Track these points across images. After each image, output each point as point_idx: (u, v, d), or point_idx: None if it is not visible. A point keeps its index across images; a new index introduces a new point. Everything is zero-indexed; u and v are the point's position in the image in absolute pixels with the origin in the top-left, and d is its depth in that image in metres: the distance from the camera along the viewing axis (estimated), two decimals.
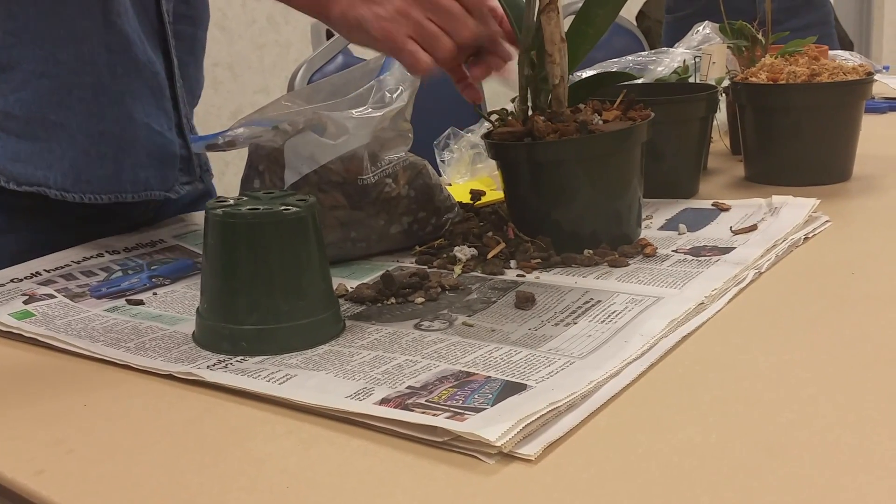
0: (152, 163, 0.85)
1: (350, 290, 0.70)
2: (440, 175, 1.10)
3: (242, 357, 0.58)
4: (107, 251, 0.80)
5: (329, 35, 1.65)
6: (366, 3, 0.71)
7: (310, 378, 0.54)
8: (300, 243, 0.60)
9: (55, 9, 0.78)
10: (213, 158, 0.99)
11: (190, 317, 0.65)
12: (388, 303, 0.67)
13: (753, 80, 0.96)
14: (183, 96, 0.90)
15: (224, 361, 0.57)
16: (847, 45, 3.86)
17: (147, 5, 0.86)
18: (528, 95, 0.82)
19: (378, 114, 0.77)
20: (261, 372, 0.55)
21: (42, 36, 0.78)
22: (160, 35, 0.87)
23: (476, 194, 0.95)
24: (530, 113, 0.81)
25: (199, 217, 0.90)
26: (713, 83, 1.10)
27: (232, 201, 0.62)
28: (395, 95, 0.79)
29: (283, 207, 0.59)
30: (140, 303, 0.70)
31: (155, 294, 0.72)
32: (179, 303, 0.70)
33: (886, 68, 1.51)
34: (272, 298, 0.59)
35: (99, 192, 0.81)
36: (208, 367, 0.56)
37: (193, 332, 0.62)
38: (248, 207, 0.59)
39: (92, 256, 0.79)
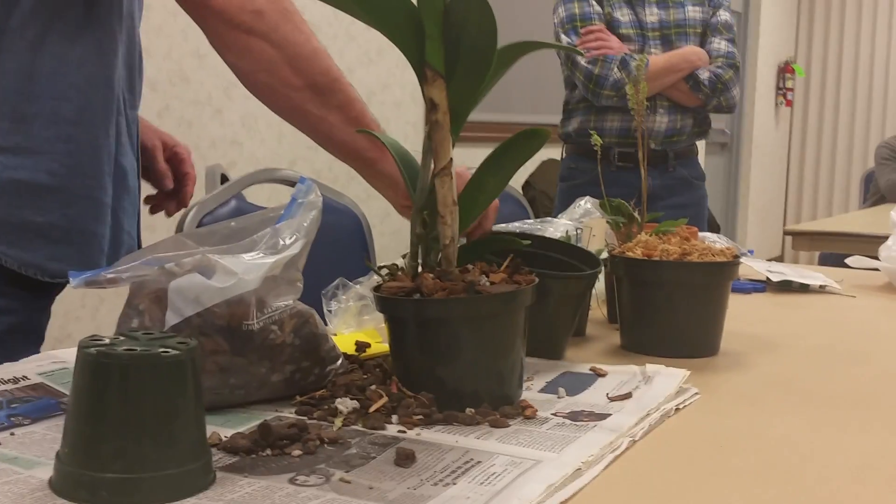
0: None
1: (224, 438, 0.67)
2: (326, 325, 1.10)
3: None
4: None
5: (224, 179, 1.66)
6: None
7: None
8: (176, 389, 0.58)
9: (94, 148, 0.98)
10: (89, 294, 1.09)
11: (49, 461, 0.61)
12: (264, 454, 0.65)
13: (630, 254, 1.02)
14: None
15: None
16: (714, 227, 4.15)
17: (134, 146, 1.07)
18: (419, 253, 0.84)
19: (269, 260, 0.77)
20: None
21: (83, 168, 0.97)
22: (137, 165, 1.09)
23: (361, 346, 0.95)
24: (420, 270, 0.83)
25: (67, 354, 0.86)
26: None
27: (108, 340, 0.60)
28: (289, 243, 0.80)
29: (161, 350, 0.58)
30: None
31: (13, 434, 0.67)
32: (38, 445, 0.66)
33: (751, 252, 1.62)
34: (140, 445, 0.56)
35: None
36: None
37: (51, 478, 0.58)
38: (125, 348, 0.57)
39: None
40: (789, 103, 7.17)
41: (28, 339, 1.02)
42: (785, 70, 7.03)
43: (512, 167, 0.85)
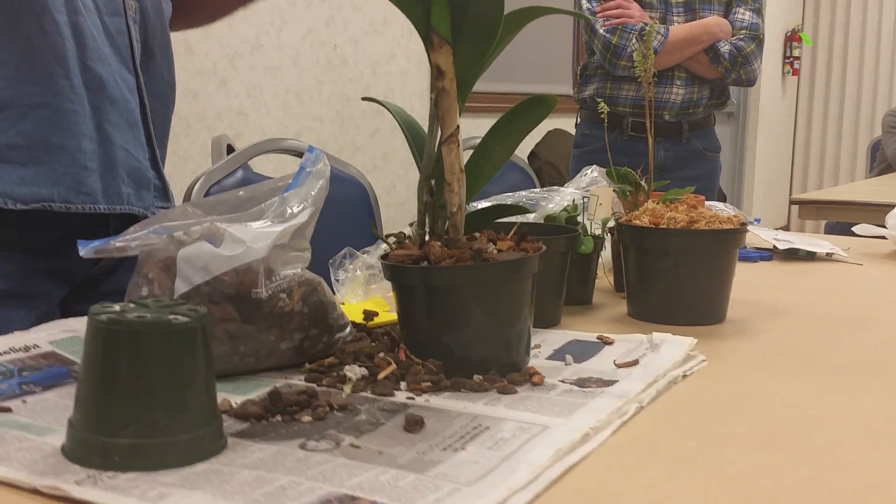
0: (131, 182, 1.01)
1: (235, 405, 0.68)
2: (334, 293, 1.10)
3: (114, 473, 0.55)
4: None
5: (230, 150, 1.66)
6: None
7: (186, 498, 0.51)
8: (186, 355, 0.58)
9: (33, 54, 0.91)
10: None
11: (61, 427, 0.61)
12: (274, 420, 0.66)
13: (636, 222, 1.02)
14: (154, 137, 1.06)
15: (93, 477, 0.54)
16: (721, 197, 4.13)
17: (125, 57, 1.02)
18: (426, 221, 0.84)
19: (277, 228, 0.77)
20: (132, 489, 0.52)
21: (33, 77, 0.91)
22: (137, 81, 1.03)
23: (369, 314, 0.95)
24: (427, 238, 0.83)
25: (78, 323, 0.87)
26: (597, 224, 1.16)
27: (118, 308, 0.60)
28: (297, 211, 0.80)
29: (171, 317, 0.58)
30: (7, 410, 0.66)
31: (24, 402, 0.68)
32: (50, 412, 0.66)
33: (758, 221, 1.62)
34: (150, 411, 0.56)
35: (96, 202, 0.96)
36: (76, 481, 0.53)
37: (63, 445, 0.59)
38: (135, 315, 0.58)
39: None
40: (796, 72, 7.11)
41: (27, 306, 0.98)
42: (792, 38, 6.96)
43: (519, 134, 0.85)
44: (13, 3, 0.91)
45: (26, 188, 0.92)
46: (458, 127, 0.80)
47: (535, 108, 0.82)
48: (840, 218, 2.71)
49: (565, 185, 1.37)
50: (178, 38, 2.43)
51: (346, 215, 1.52)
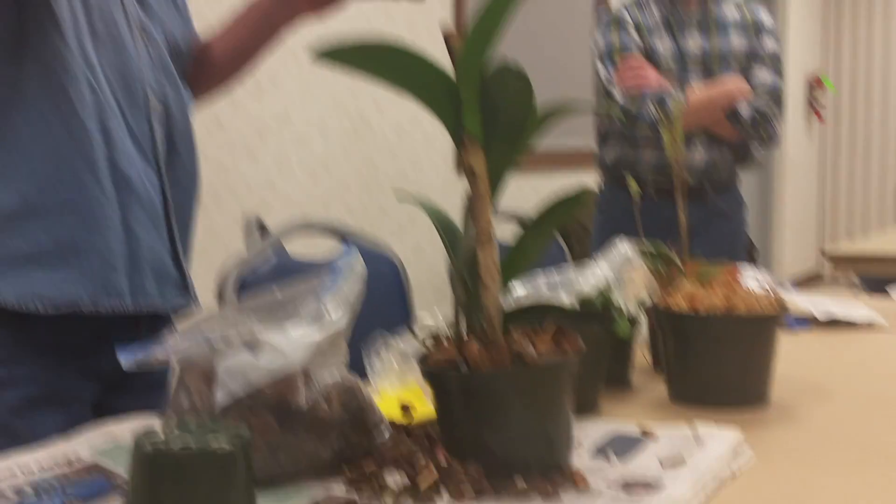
0: (155, 279, 1.03)
1: None
2: (368, 380, 1.10)
3: None
4: (21, 471, 0.76)
5: (262, 229, 1.68)
6: None
7: None
8: (229, 481, 0.58)
9: (62, 158, 0.94)
10: None
11: None
12: None
13: (673, 307, 1.01)
14: (177, 232, 1.07)
15: None
16: (750, 248, 4.10)
17: (148, 156, 1.03)
18: (462, 318, 0.84)
19: (316, 336, 0.77)
20: None
21: (62, 181, 0.93)
22: (160, 179, 1.05)
23: (406, 410, 0.94)
24: (464, 335, 0.83)
25: (117, 427, 0.87)
26: (631, 307, 1.15)
27: (162, 433, 0.60)
28: (334, 316, 0.80)
29: (215, 446, 0.58)
30: None
31: None
32: None
33: (794, 286, 1.60)
34: None
35: (124, 302, 0.98)
36: None
37: None
38: (180, 445, 0.57)
39: (5, 478, 0.75)
40: (821, 118, 7.09)
41: (61, 409, 0.98)
42: (815, 84, 6.96)
43: (552, 230, 0.85)
44: (43, 111, 0.93)
45: (56, 290, 0.93)
46: (492, 226, 0.80)
47: (566, 205, 0.83)
48: (874, 273, 2.68)
49: (594, 255, 1.36)
50: (208, 114, 2.48)
51: (378, 293, 1.52)
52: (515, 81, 0.76)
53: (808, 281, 6.89)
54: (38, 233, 0.93)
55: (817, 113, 7.02)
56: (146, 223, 1.02)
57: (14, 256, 0.93)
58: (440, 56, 0.75)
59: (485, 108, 0.79)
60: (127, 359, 0.80)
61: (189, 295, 1.10)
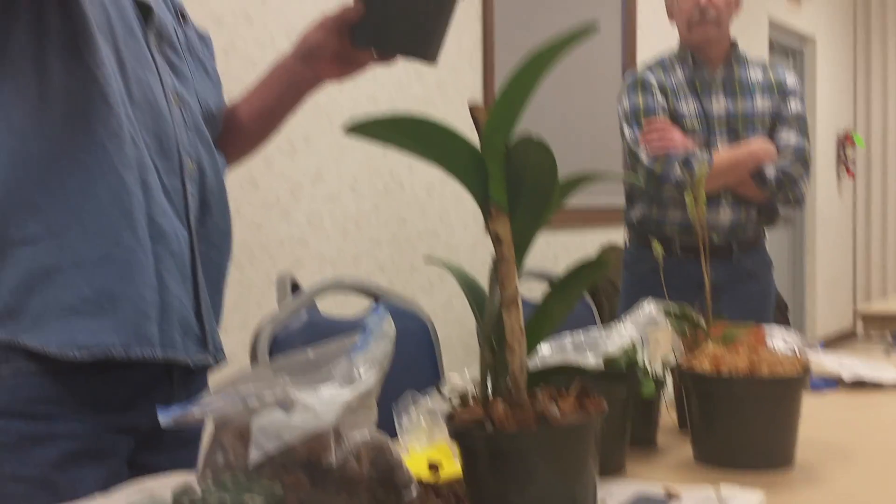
0: (180, 330, 1.05)
1: None
2: (397, 438, 1.12)
3: None
4: None
5: (294, 287, 1.72)
6: None
7: None
8: None
9: (103, 212, 0.98)
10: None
11: None
12: None
13: (697, 368, 1.03)
14: (204, 289, 1.11)
15: None
16: (782, 307, 4.07)
17: (180, 213, 1.07)
18: (489, 378, 0.86)
19: (346, 396, 0.80)
20: None
21: (101, 232, 0.98)
22: (189, 236, 1.09)
23: (434, 468, 0.96)
24: (490, 395, 0.85)
25: (154, 482, 0.90)
26: (658, 365, 1.17)
27: (199, 490, 0.63)
28: (364, 375, 0.83)
29: None
30: None
31: None
32: None
33: (822, 346, 1.60)
34: None
35: (154, 350, 1.01)
36: None
37: None
38: (217, 503, 0.60)
39: None
40: (851, 174, 7.07)
41: (98, 464, 1.00)
42: (845, 141, 6.96)
43: (576, 294, 0.87)
44: (87, 167, 0.98)
45: (92, 338, 0.97)
46: (517, 290, 0.83)
47: (589, 270, 0.85)
48: None
49: (622, 312, 1.38)
50: (243, 175, 2.55)
51: (407, 351, 1.55)
52: (538, 152, 0.80)
53: (842, 339, 6.80)
54: (80, 284, 0.97)
55: (848, 169, 7.01)
56: (176, 275, 1.06)
57: (59, 307, 0.97)
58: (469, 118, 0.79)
59: (509, 178, 0.82)
60: (165, 417, 0.83)
61: (208, 351, 1.12)
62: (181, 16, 1.19)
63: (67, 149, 0.97)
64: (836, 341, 6.68)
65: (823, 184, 6.68)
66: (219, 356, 1.14)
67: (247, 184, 2.60)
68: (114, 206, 0.99)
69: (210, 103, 1.17)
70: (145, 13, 1.07)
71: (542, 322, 0.87)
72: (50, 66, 0.96)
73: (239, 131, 1.24)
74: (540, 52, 0.79)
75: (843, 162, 6.98)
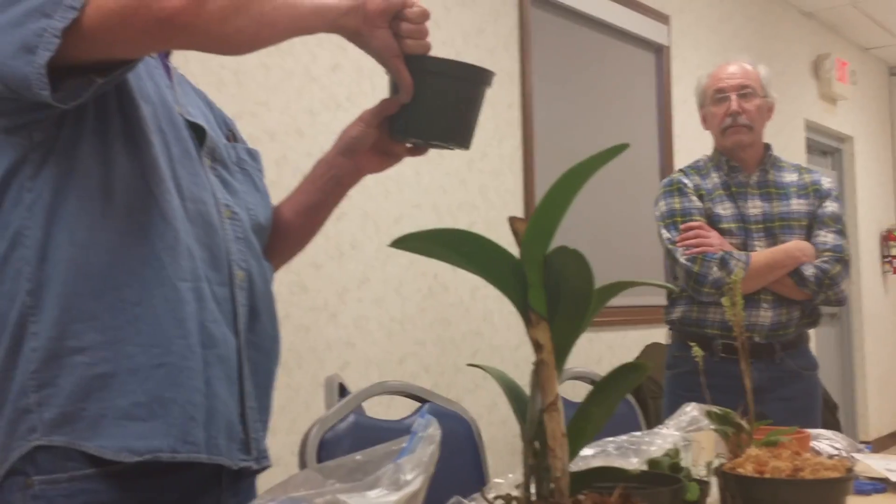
0: (225, 434, 1.08)
1: None
2: None
3: None
4: None
5: (342, 389, 1.75)
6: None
7: None
8: None
9: (157, 320, 1.03)
10: None
11: None
12: None
13: (741, 471, 1.03)
14: (250, 394, 1.13)
15: None
16: (831, 406, 3.98)
17: (228, 320, 1.11)
18: (532, 483, 0.88)
19: (393, 498, 0.83)
20: None
21: (155, 340, 1.02)
22: (237, 343, 1.12)
23: None
24: (533, 499, 0.87)
25: None
26: (701, 468, 1.17)
27: None
28: (410, 479, 0.86)
29: None
30: None
31: None
32: None
33: (869, 448, 1.58)
34: None
35: (199, 452, 1.03)
36: None
37: None
38: None
39: None
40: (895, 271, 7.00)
41: None
42: (888, 238, 6.92)
43: (615, 398, 0.90)
44: (144, 279, 1.04)
45: (143, 442, 1.00)
46: (557, 395, 0.86)
47: (628, 374, 0.88)
48: None
49: (664, 420, 1.39)
50: (292, 280, 2.63)
51: (452, 452, 1.57)
52: (574, 261, 0.84)
53: (890, 456, 6.59)
54: (135, 390, 1.01)
55: (892, 265, 6.93)
56: (223, 381, 1.09)
57: (115, 413, 1.00)
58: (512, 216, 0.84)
59: (548, 286, 0.86)
60: None
61: (251, 455, 1.13)
62: (233, 134, 1.27)
63: (126, 261, 1.03)
64: (889, 440, 6.46)
65: (868, 281, 6.59)
66: (262, 461, 1.16)
67: (296, 288, 2.68)
68: (168, 315, 1.03)
69: (259, 215, 1.23)
70: (199, 135, 1.16)
71: (584, 425, 0.89)
72: (113, 184, 1.03)
73: (283, 229, 1.29)
74: (576, 169, 0.84)
75: (887, 259, 6.91)
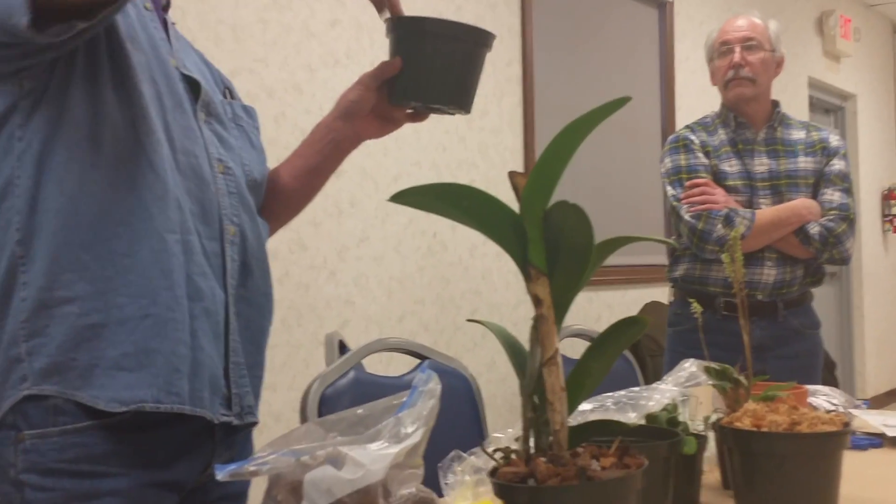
0: (208, 388, 1.07)
1: None
2: (442, 496, 1.14)
3: None
4: None
5: (342, 346, 1.76)
6: None
7: None
8: None
9: (144, 271, 1.02)
10: None
11: None
12: None
13: (738, 425, 1.04)
14: (235, 349, 1.12)
15: None
16: (830, 365, 4.00)
17: (217, 275, 1.10)
18: (531, 436, 0.89)
19: (394, 450, 0.84)
20: None
21: (141, 291, 1.02)
22: (226, 298, 1.11)
23: None
24: (532, 452, 0.88)
25: None
26: (699, 423, 1.18)
27: None
28: (410, 431, 0.87)
29: None
30: None
31: None
32: None
33: (866, 404, 1.60)
34: None
35: (182, 404, 1.03)
36: None
37: None
38: None
39: None
40: None
41: None
42: (889, 196, 6.90)
43: (614, 353, 0.90)
44: (132, 229, 1.03)
45: (129, 392, 1.00)
46: (557, 349, 0.86)
47: (626, 329, 0.89)
48: None
49: (663, 377, 1.40)
50: (292, 237, 2.63)
51: (451, 409, 1.58)
52: (574, 216, 0.84)
53: (894, 397, 6.63)
54: (124, 340, 1.01)
55: (892, 224, 6.93)
56: (209, 334, 1.09)
57: (105, 364, 1.01)
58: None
59: (548, 241, 0.86)
60: (221, 472, 0.87)
61: (230, 409, 1.12)
62: (230, 92, 1.26)
63: (115, 212, 1.02)
64: (886, 399, 6.52)
65: (868, 240, 6.59)
66: (246, 417, 1.14)
67: (295, 246, 2.68)
68: (155, 266, 1.03)
69: (254, 171, 1.22)
70: (195, 89, 1.15)
71: (582, 380, 0.90)
72: (103, 133, 1.03)
73: (281, 192, 1.29)
74: (577, 123, 0.84)
75: (888, 218, 6.90)
